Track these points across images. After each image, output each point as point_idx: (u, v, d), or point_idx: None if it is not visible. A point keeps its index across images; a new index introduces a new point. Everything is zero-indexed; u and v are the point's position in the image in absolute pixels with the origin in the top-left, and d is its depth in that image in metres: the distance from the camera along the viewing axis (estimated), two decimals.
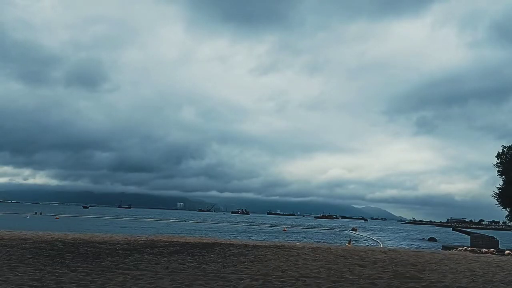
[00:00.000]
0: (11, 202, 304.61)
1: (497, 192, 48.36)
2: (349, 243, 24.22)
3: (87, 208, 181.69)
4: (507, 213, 49.86)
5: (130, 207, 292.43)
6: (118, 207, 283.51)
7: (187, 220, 71.76)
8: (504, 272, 9.84)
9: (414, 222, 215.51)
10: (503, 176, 47.68)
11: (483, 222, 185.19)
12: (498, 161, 49.42)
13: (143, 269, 7.75)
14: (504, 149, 49.45)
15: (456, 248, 20.64)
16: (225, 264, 8.95)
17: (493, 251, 18.35)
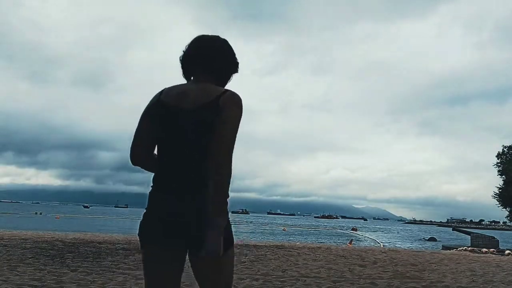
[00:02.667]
0: (11, 202, 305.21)
1: (497, 192, 48.44)
2: (350, 243, 24.24)
3: (88, 208, 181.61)
4: (507, 213, 49.94)
5: (127, 207, 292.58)
6: (115, 206, 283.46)
7: None
8: (504, 272, 9.85)
9: (414, 222, 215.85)
10: (503, 176, 47.80)
11: (483, 222, 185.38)
12: (498, 161, 49.51)
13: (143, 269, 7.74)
14: (504, 149, 49.54)
15: (456, 248, 20.65)
16: None
17: (493, 251, 18.36)
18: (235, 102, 2.00)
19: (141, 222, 2.07)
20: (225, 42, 2.22)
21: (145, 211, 2.08)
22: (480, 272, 9.52)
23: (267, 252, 11.81)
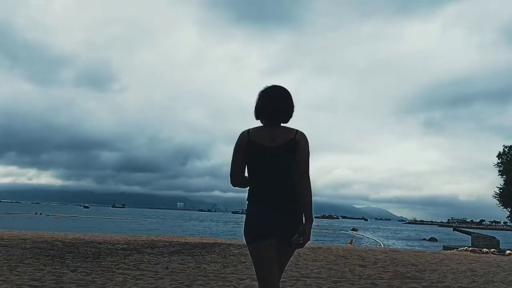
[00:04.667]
0: (11, 202, 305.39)
1: (498, 192, 48.37)
2: (350, 243, 24.20)
3: (88, 208, 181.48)
4: (508, 213, 49.85)
5: (124, 207, 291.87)
6: (112, 206, 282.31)
7: (186, 220, 71.78)
8: (505, 272, 9.83)
9: (415, 222, 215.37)
10: (504, 176, 47.75)
11: (484, 222, 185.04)
12: (499, 161, 49.44)
13: (143, 269, 7.73)
14: (505, 149, 49.46)
15: (457, 248, 20.63)
16: (225, 264, 8.93)
17: (494, 251, 18.33)
18: (304, 136, 2.96)
19: (247, 226, 2.99)
20: (289, 93, 3.09)
21: (248, 218, 3.00)
22: (481, 272, 9.50)
23: None
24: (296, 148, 2.92)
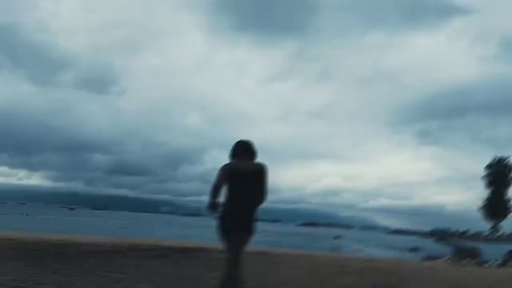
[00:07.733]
0: None
1: (482, 204, 48.80)
2: (332, 251, 24.24)
3: (74, 209, 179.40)
4: (491, 224, 50.30)
5: (107, 209, 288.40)
6: (92, 208, 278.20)
7: (170, 224, 71.40)
8: (485, 282, 9.92)
9: (399, 231, 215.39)
10: (490, 187, 48.25)
11: (467, 233, 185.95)
12: (487, 172, 49.96)
13: (125, 272, 7.74)
14: (493, 162, 49.95)
15: (438, 258, 20.79)
16: (207, 268, 8.95)
17: (475, 262, 18.49)
18: (267, 168, 4.86)
19: (226, 222, 4.73)
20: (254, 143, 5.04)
21: (226, 218, 4.75)
22: (461, 283, 9.59)
23: (247, 258, 11.79)
24: (261, 176, 4.83)
